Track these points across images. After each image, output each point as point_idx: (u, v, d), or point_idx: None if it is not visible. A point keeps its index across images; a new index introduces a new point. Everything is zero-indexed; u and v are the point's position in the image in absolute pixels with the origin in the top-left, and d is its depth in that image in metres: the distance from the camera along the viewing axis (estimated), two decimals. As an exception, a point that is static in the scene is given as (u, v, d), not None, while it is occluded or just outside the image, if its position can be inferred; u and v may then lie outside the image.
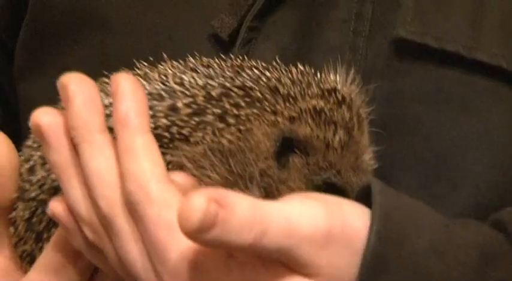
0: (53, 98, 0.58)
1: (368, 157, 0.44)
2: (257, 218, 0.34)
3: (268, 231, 0.34)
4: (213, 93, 0.42)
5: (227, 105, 0.42)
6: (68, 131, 0.40)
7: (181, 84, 0.44)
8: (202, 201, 0.32)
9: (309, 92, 0.43)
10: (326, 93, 0.43)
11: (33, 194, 0.46)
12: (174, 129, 0.41)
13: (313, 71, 0.47)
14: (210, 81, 0.44)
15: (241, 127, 0.42)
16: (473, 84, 0.50)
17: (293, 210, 0.35)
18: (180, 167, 0.42)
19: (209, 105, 0.42)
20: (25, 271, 0.47)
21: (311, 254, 0.36)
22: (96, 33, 0.58)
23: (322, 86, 0.44)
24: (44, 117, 0.40)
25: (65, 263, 0.44)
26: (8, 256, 0.49)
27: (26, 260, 0.47)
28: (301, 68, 0.46)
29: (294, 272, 0.36)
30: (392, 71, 0.51)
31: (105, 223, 0.39)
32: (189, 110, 0.42)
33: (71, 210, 0.41)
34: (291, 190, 0.42)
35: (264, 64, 0.47)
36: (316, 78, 0.45)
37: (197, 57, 0.48)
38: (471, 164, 0.49)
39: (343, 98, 0.44)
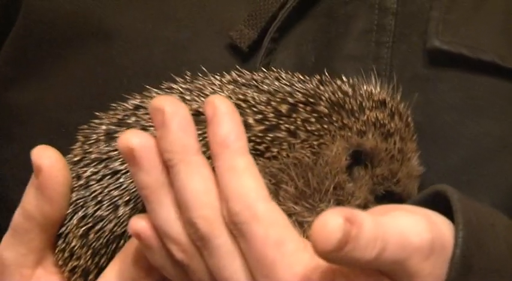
0: (50, 106, 0.58)
1: (417, 163, 0.49)
2: (380, 234, 0.37)
3: (388, 245, 0.37)
4: (282, 109, 0.45)
5: (298, 121, 0.44)
6: (160, 153, 0.40)
7: (245, 100, 0.45)
8: (340, 221, 0.35)
9: (366, 104, 0.47)
10: (380, 105, 0.47)
11: (90, 211, 0.46)
12: (250, 145, 0.43)
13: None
14: (271, 97, 0.46)
15: (315, 142, 0.45)
16: (507, 93, 0.54)
17: (404, 224, 0.39)
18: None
19: (281, 122, 0.44)
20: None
21: (419, 265, 0.39)
22: (101, 44, 0.59)
23: (374, 98, 0.48)
24: (135, 139, 0.40)
25: (137, 277, 0.46)
26: (53, 272, 0.50)
27: (78, 274, 0.47)
28: (346, 80, 0.49)
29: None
30: (422, 81, 0.55)
31: (201, 242, 0.41)
32: (262, 127, 0.44)
33: (157, 229, 0.42)
34: (358, 201, 0.46)
35: (308, 77, 0.49)
36: (362, 90, 0.49)
37: (237, 71, 0.50)
38: (503, 169, 0.54)
39: (394, 108, 0.48)
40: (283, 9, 0.55)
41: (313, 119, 0.45)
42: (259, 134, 0.44)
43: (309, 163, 0.44)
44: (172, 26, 0.58)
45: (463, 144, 0.54)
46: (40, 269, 0.51)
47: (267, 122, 0.45)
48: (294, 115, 0.45)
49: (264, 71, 0.50)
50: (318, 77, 0.50)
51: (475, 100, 0.54)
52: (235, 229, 0.40)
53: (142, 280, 0.46)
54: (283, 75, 0.50)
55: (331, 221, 0.35)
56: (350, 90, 0.48)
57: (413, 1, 0.56)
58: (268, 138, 0.44)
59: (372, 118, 0.46)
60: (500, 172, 0.54)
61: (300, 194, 0.44)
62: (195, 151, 0.41)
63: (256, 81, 0.49)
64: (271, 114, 0.45)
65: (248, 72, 0.50)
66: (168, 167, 0.41)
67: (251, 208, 0.39)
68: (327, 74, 0.50)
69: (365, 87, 0.50)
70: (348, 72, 0.54)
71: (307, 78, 0.50)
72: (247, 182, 0.40)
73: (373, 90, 0.49)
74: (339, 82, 0.49)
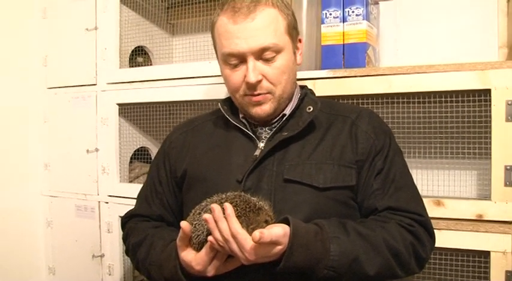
0: (193, 205, 1.53)
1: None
2: (271, 234, 1.26)
3: (273, 236, 1.27)
4: (246, 207, 1.41)
5: (250, 209, 1.39)
6: (213, 218, 1.34)
7: (234, 205, 1.40)
8: (258, 233, 1.24)
9: (265, 208, 1.42)
10: (269, 209, 1.44)
11: (197, 233, 1.52)
12: (237, 213, 1.40)
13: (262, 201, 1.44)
14: (244, 202, 1.41)
15: (256, 214, 1.38)
16: (301, 190, 1.50)
17: (276, 230, 1.29)
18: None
19: (246, 210, 1.40)
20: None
21: (282, 240, 1.30)
22: (200, 184, 1.62)
23: (266, 207, 1.43)
24: (207, 215, 1.35)
25: (210, 254, 1.40)
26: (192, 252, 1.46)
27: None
28: (261, 199, 1.45)
29: (276, 245, 1.30)
30: (283, 188, 1.50)
31: (226, 240, 1.31)
32: (240, 209, 1.43)
33: (215, 239, 1.34)
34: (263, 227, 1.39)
35: (252, 196, 1.43)
36: (265, 203, 1.44)
37: (231, 193, 1.46)
38: (300, 211, 1.46)
39: (271, 211, 1.44)
40: (248, 170, 1.53)
41: (254, 209, 1.38)
42: (241, 212, 1.38)
43: (256, 219, 1.38)
44: (218, 174, 1.58)
45: (298, 205, 1.51)
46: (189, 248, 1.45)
47: (242, 210, 1.39)
48: (249, 208, 1.39)
49: (240, 194, 1.46)
50: (257, 197, 1.44)
51: (301, 193, 1.51)
52: (233, 236, 1.32)
53: (210, 254, 1.39)
54: (243, 196, 1.42)
55: (256, 233, 1.27)
56: (262, 203, 1.41)
57: (282, 163, 1.52)
58: (242, 212, 1.38)
59: (268, 213, 1.41)
60: (301, 213, 1.48)
61: (253, 226, 1.39)
62: (222, 218, 1.32)
63: (235, 197, 1.44)
64: (243, 207, 1.39)
65: (234, 194, 1.44)
66: (216, 222, 1.34)
67: (237, 231, 1.31)
68: (255, 196, 1.47)
69: (266, 203, 1.44)
70: (263, 195, 1.47)
71: (249, 196, 1.43)
72: (236, 225, 1.31)
73: (267, 204, 1.43)
74: (260, 200, 1.46)
